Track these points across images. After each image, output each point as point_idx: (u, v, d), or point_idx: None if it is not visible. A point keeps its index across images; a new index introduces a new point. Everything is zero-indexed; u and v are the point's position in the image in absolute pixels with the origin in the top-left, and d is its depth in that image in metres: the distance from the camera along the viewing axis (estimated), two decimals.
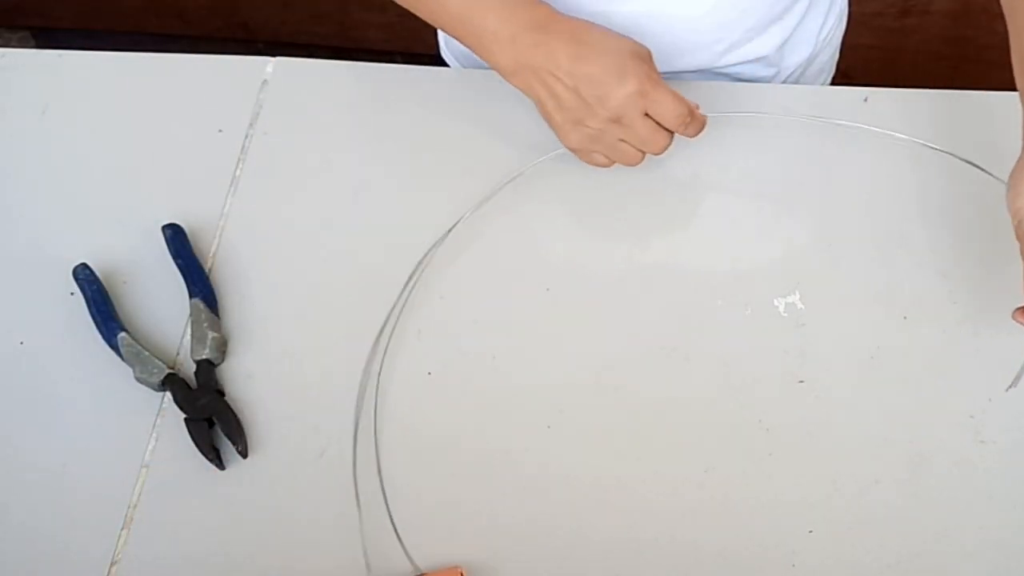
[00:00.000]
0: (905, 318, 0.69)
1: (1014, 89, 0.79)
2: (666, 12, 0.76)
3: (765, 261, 0.72)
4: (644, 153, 0.71)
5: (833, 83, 0.97)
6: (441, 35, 0.90)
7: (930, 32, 1.44)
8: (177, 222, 0.74)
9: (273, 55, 0.84)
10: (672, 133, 0.70)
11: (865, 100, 0.79)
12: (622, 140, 0.70)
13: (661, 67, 0.79)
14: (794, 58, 0.86)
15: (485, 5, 0.69)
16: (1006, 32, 0.66)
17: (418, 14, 0.74)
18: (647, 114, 0.68)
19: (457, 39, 0.73)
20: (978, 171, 0.74)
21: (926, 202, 0.74)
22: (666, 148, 0.71)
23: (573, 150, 0.72)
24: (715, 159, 0.76)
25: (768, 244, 0.73)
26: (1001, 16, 0.66)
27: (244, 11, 1.71)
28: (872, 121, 0.77)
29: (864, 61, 1.40)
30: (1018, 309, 0.60)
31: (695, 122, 0.70)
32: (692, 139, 0.71)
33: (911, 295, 0.70)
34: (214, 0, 1.71)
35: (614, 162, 0.72)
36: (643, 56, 0.69)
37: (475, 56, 0.75)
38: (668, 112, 0.68)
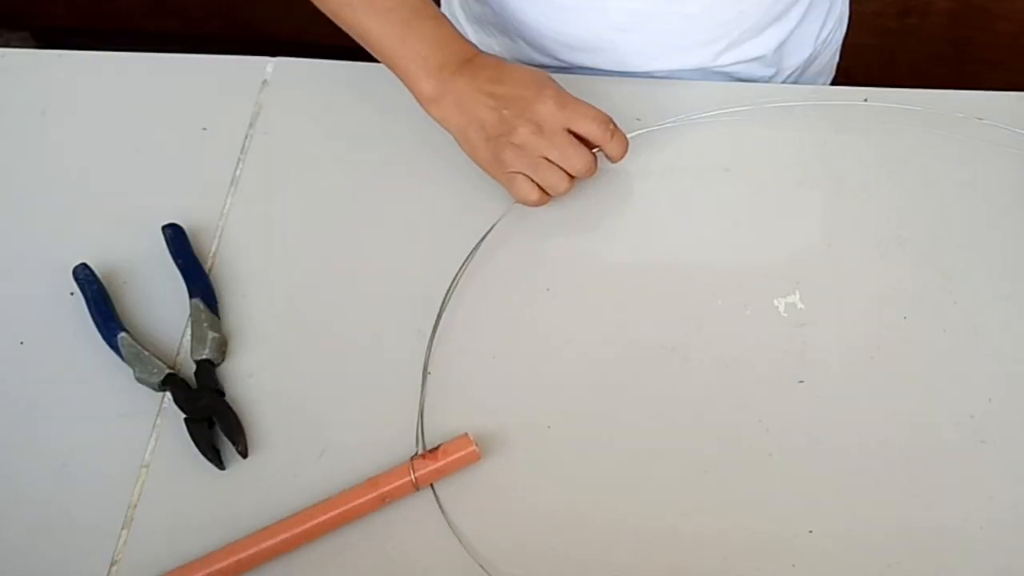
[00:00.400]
0: (905, 318, 0.69)
1: (1014, 89, 0.79)
2: (665, 9, 0.76)
3: (765, 261, 0.72)
4: (570, 178, 0.70)
5: (833, 83, 0.97)
6: None
7: (930, 32, 1.44)
8: (177, 222, 0.74)
9: (273, 55, 0.84)
10: (594, 154, 0.70)
11: (865, 100, 0.79)
12: (545, 158, 0.69)
13: (659, 65, 0.79)
14: (793, 59, 0.86)
15: (419, 31, 0.71)
16: (1006, 32, 0.66)
17: (340, 22, 0.75)
18: (570, 131, 0.69)
19: (378, 56, 0.74)
20: (976, 174, 0.74)
21: (926, 202, 0.74)
22: (589, 168, 0.70)
23: (497, 176, 0.72)
24: (715, 159, 0.76)
25: (768, 244, 0.73)
26: (1001, 16, 0.66)
27: (244, 11, 1.71)
28: (873, 119, 0.77)
29: (864, 61, 1.40)
30: None
31: (617, 137, 0.70)
32: (617, 163, 0.71)
33: (911, 295, 0.70)
34: (214, 0, 1.71)
35: (542, 193, 0.70)
36: (553, 82, 0.71)
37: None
38: (589, 121, 0.69)
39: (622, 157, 0.71)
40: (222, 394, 0.67)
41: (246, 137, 0.80)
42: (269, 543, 0.60)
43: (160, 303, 0.72)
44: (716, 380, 0.67)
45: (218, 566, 0.60)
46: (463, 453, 0.63)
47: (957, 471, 0.63)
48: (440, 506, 0.62)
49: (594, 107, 0.70)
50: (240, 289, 0.72)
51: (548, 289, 0.71)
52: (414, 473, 0.61)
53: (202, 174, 0.78)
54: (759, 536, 0.61)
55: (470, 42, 0.73)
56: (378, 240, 0.74)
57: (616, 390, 0.67)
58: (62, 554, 0.62)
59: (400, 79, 0.73)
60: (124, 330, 0.68)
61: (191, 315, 0.70)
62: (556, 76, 0.72)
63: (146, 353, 0.67)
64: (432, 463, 0.62)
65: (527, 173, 0.70)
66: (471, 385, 0.67)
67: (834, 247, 0.72)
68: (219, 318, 0.70)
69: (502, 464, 0.64)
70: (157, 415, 0.67)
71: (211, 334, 0.68)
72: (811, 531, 0.61)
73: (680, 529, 0.61)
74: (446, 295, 0.71)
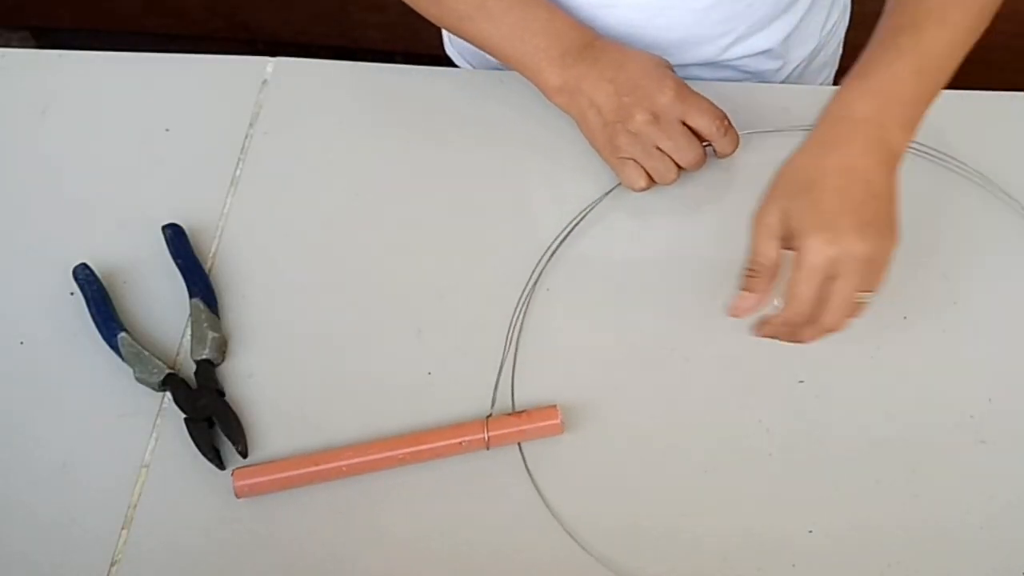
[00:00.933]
0: (905, 318, 0.69)
1: (1014, 89, 0.79)
2: (674, 5, 0.76)
3: None
4: (679, 169, 0.71)
5: (837, 78, 0.97)
6: (446, 33, 0.91)
7: None
8: (177, 222, 0.74)
9: (273, 55, 0.84)
10: (704, 149, 0.71)
11: None
12: (658, 147, 0.70)
13: (669, 59, 0.79)
14: (799, 51, 0.86)
15: (535, 26, 0.72)
16: (1006, 32, 0.66)
17: (463, 35, 0.76)
18: (684, 123, 0.70)
19: (503, 59, 0.75)
20: (976, 174, 0.74)
21: (926, 202, 0.74)
22: (699, 161, 0.72)
23: (610, 160, 0.73)
24: (714, 159, 0.76)
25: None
26: (1001, 16, 0.66)
27: (244, 11, 1.71)
28: None
29: None
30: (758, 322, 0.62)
31: (730, 134, 0.71)
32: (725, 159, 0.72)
33: (911, 295, 0.70)
34: (214, 0, 1.71)
35: (649, 180, 0.72)
36: (673, 72, 0.72)
37: (482, 53, 0.76)
38: (704, 115, 0.70)
39: (732, 154, 0.73)
40: (222, 394, 0.67)
41: (246, 137, 0.80)
42: (351, 460, 0.63)
43: (160, 303, 0.72)
44: (716, 380, 0.67)
45: (299, 471, 0.63)
46: (546, 423, 0.64)
47: (957, 471, 0.63)
48: (526, 462, 0.64)
49: (711, 102, 0.71)
50: (240, 289, 0.72)
51: (548, 289, 0.71)
52: (487, 432, 0.63)
53: (202, 174, 0.78)
54: (759, 536, 0.61)
55: (588, 27, 0.74)
56: (377, 240, 0.74)
57: (616, 390, 0.67)
58: (62, 554, 0.62)
59: (527, 78, 0.74)
60: (124, 330, 0.68)
61: (191, 315, 0.70)
62: None
63: (146, 353, 0.67)
64: (513, 424, 0.64)
65: (638, 160, 0.71)
66: (470, 385, 0.67)
67: None
68: (219, 318, 0.70)
69: (499, 463, 0.64)
70: (157, 415, 0.67)
71: (211, 334, 0.68)
72: (811, 531, 0.61)
73: (680, 529, 0.61)
74: (443, 294, 0.71)
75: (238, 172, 0.78)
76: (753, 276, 0.61)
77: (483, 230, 0.74)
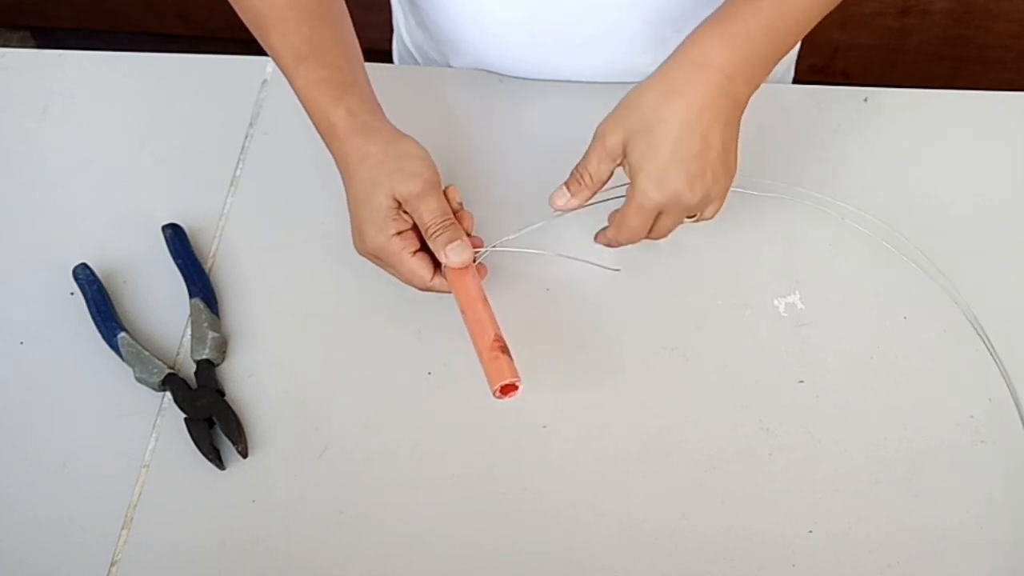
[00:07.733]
0: (905, 318, 0.69)
1: (1013, 89, 0.79)
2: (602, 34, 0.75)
3: (765, 261, 0.72)
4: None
5: (833, 83, 0.97)
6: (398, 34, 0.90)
7: (930, 32, 1.44)
8: (177, 222, 0.74)
9: None
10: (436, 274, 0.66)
11: (865, 100, 0.79)
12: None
13: (616, 78, 0.76)
14: None
15: (325, 101, 0.68)
16: (1006, 32, 0.66)
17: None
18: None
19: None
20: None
21: (926, 201, 0.74)
22: (412, 281, 0.66)
23: None
24: None
25: (768, 244, 0.73)
26: (1001, 16, 0.66)
27: None
28: (871, 119, 0.77)
29: (864, 61, 1.40)
30: (600, 232, 0.67)
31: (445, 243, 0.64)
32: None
33: (911, 295, 0.70)
34: (214, 0, 1.71)
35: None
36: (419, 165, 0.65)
37: (427, 51, 0.75)
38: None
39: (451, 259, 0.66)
40: (222, 394, 0.67)
41: (246, 137, 0.80)
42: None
43: (160, 303, 0.72)
44: (716, 380, 0.67)
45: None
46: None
47: (957, 471, 0.63)
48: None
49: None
50: (240, 289, 0.72)
51: (548, 289, 0.71)
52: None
53: (202, 174, 0.78)
54: (759, 536, 0.61)
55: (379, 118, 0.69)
56: None
57: (616, 390, 0.67)
58: (62, 554, 0.62)
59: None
60: (124, 330, 0.68)
61: (191, 315, 0.70)
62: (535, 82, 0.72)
63: (146, 353, 0.67)
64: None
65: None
66: (469, 385, 0.67)
67: (834, 247, 0.72)
68: (219, 318, 0.70)
69: (499, 464, 0.64)
70: (157, 415, 0.67)
71: (211, 334, 0.68)
72: (811, 531, 0.61)
73: (680, 529, 0.61)
74: (443, 295, 0.70)
75: (238, 172, 0.78)
76: (580, 185, 0.64)
77: (485, 229, 0.74)
